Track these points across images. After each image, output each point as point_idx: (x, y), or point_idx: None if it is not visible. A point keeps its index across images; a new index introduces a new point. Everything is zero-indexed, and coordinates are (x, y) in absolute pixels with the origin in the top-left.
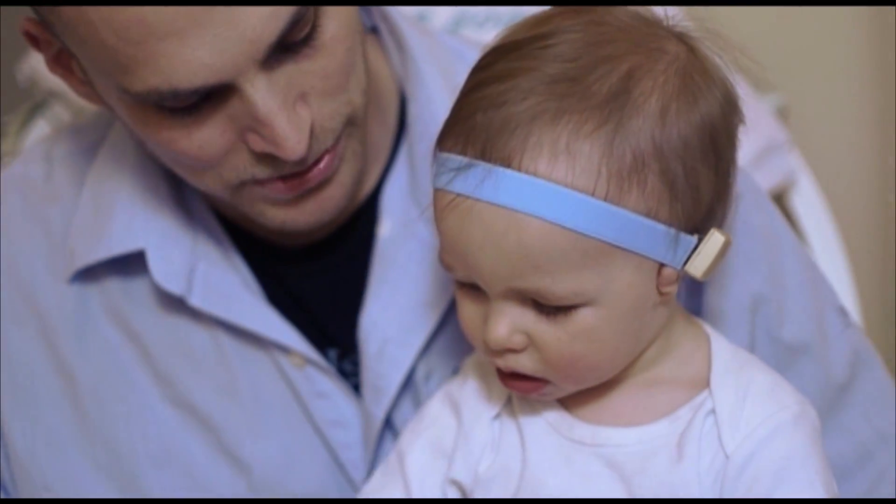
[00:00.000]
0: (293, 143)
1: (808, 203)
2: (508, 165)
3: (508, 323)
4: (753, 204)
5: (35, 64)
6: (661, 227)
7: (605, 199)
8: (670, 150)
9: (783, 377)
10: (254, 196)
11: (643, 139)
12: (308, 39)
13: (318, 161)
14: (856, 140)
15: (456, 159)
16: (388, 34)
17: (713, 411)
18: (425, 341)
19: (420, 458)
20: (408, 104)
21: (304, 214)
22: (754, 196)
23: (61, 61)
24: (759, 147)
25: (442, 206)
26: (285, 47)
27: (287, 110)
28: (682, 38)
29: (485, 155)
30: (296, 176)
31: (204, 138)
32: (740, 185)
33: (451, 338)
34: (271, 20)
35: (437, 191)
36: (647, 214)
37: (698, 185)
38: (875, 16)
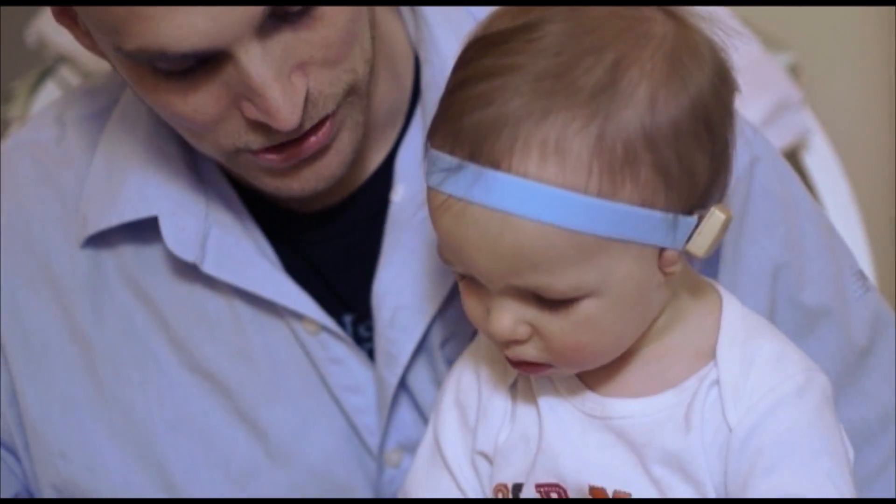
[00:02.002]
0: (286, 113)
1: (821, 161)
2: (498, 167)
3: (511, 316)
4: (771, 168)
5: (43, 27)
6: (659, 215)
7: (599, 195)
8: (662, 139)
9: (795, 344)
10: (250, 163)
11: (633, 131)
12: (307, 9)
13: (315, 129)
14: (868, 98)
15: (446, 159)
16: None
17: (717, 382)
18: (438, 307)
19: (453, 439)
20: (422, 68)
21: (299, 182)
22: (772, 160)
23: (68, 12)
24: (772, 105)
25: (436, 206)
26: (283, 16)
27: (281, 80)
28: (670, 14)
29: (474, 157)
30: (290, 145)
31: (199, 103)
32: (757, 149)
33: (460, 304)
34: None
35: (429, 188)
36: (643, 205)
37: (693, 169)
38: None
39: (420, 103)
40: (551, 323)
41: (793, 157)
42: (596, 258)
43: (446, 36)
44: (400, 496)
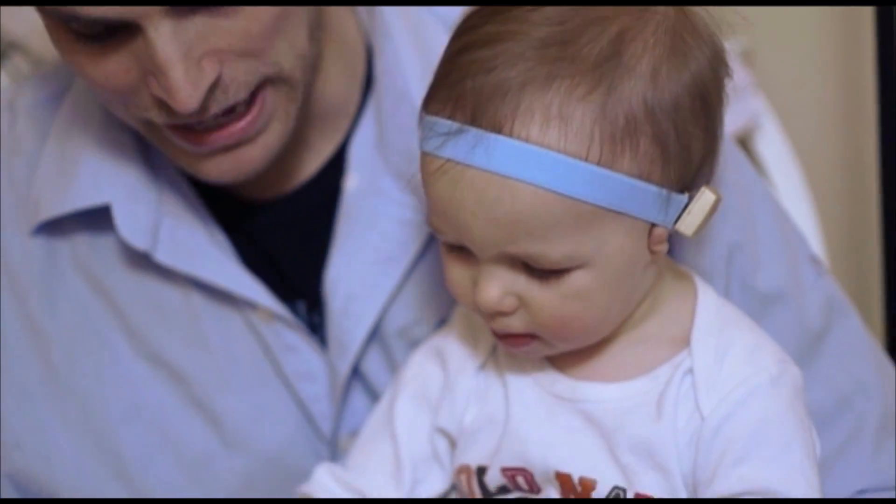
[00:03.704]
0: (184, 95)
1: (773, 146)
2: (500, 131)
3: (499, 286)
4: (723, 155)
5: None
6: (654, 189)
7: (598, 164)
8: (662, 112)
9: (767, 335)
10: (165, 137)
11: (635, 102)
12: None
13: (234, 120)
14: (820, 83)
15: (445, 123)
16: None
17: (691, 371)
18: (389, 296)
19: (408, 410)
20: (374, 58)
21: (218, 169)
22: (726, 149)
23: None
24: None
25: (431, 171)
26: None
27: (186, 62)
28: None
29: (475, 121)
30: (198, 131)
31: (109, 70)
32: None
33: (416, 292)
34: None
35: (424, 154)
36: (640, 177)
37: (689, 146)
38: None
39: (373, 93)
40: (540, 294)
41: (745, 142)
42: (590, 228)
43: (400, 26)
44: (343, 457)
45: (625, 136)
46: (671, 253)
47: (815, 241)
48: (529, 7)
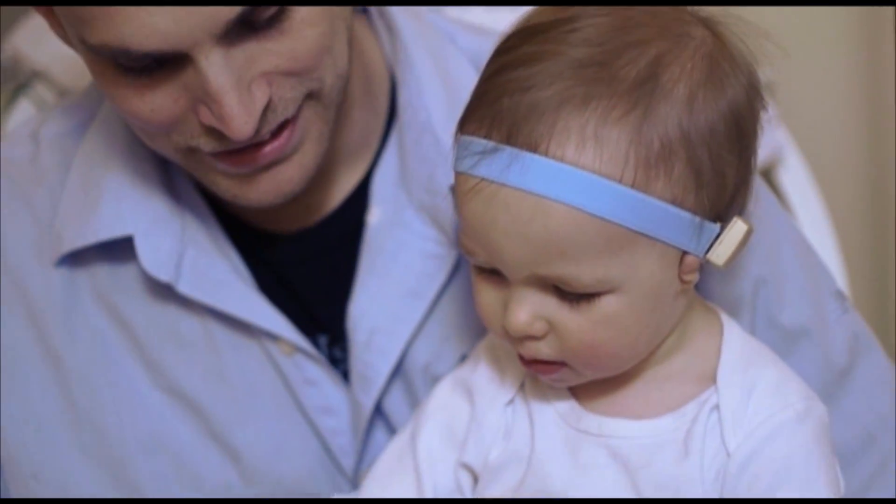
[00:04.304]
0: (239, 123)
1: (796, 178)
2: (536, 151)
3: (530, 310)
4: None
5: (18, 44)
6: (687, 215)
7: (633, 186)
8: (698, 138)
9: (793, 371)
10: (206, 164)
11: (671, 126)
12: (275, 21)
13: (275, 135)
14: (843, 116)
15: (480, 143)
16: (377, 16)
17: (717, 407)
18: (414, 330)
19: (431, 443)
20: (398, 89)
21: (257, 192)
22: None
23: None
24: None
25: (465, 191)
26: (249, 25)
27: (239, 89)
28: (707, 23)
29: (511, 139)
30: (245, 151)
31: (156, 102)
32: None
33: (439, 326)
34: None
35: (459, 174)
36: (674, 202)
37: (724, 173)
38: None
39: (396, 125)
40: (570, 319)
41: (767, 174)
42: (623, 252)
43: (422, 56)
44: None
45: (659, 159)
46: (697, 286)
47: (837, 273)
48: (568, 28)
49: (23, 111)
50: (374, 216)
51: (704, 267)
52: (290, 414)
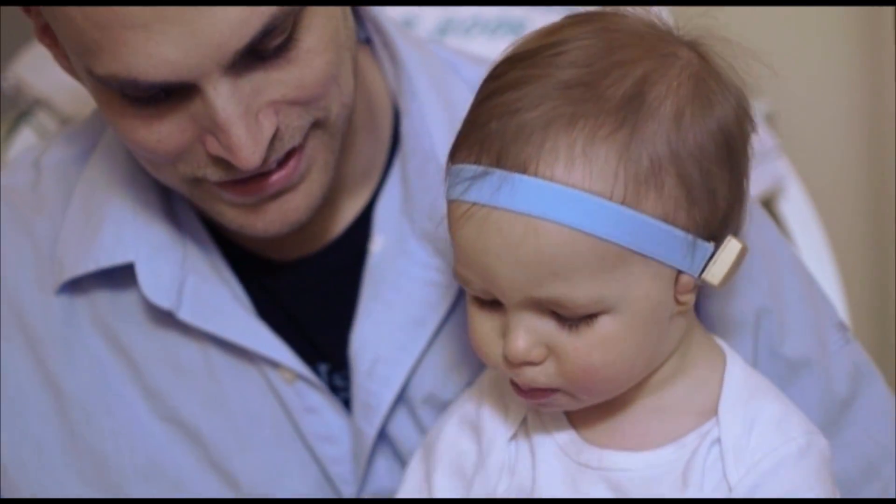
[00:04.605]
0: (247, 153)
1: (797, 209)
2: (525, 171)
3: (528, 335)
4: (751, 220)
5: (20, 72)
6: (679, 233)
7: (623, 203)
8: (687, 155)
9: (794, 405)
10: (212, 194)
11: (659, 143)
12: (281, 50)
13: (281, 164)
14: (844, 146)
15: (470, 168)
16: (381, 46)
17: (719, 440)
18: (417, 359)
19: (445, 485)
20: (401, 119)
21: (264, 221)
22: (751, 211)
23: (48, 32)
24: None
25: (457, 217)
26: (256, 55)
27: (247, 119)
28: (693, 45)
29: (500, 162)
30: (251, 181)
31: (163, 132)
32: None
33: (442, 356)
34: (242, 27)
35: (451, 203)
36: (665, 219)
37: (715, 191)
38: (863, 19)
39: (399, 154)
40: (568, 343)
41: (768, 204)
42: (617, 271)
43: (425, 87)
44: None
45: (649, 176)
46: (699, 314)
47: (838, 302)
48: (554, 52)
49: (24, 139)
50: (377, 244)
51: (705, 292)
52: (289, 442)
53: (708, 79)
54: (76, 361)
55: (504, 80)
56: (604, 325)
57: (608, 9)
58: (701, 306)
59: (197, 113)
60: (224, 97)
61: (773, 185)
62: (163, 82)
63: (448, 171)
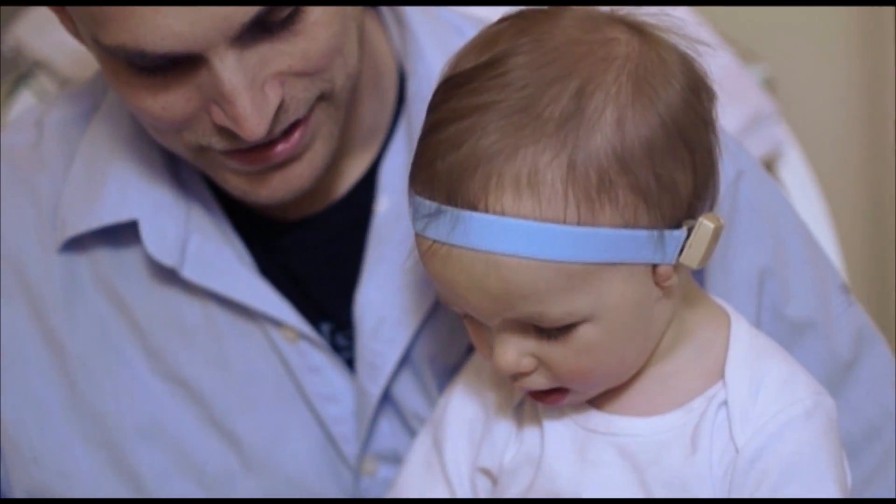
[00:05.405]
0: (252, 124)
1: (796, 174)
2: (475, 208)
3: (513, 351)
4: (756, 181)
5: (20, 34)
6: (644, 233)
7: (578, 223)
8: (634, 160)
9: (801, 366)
10: (217, 162)
11: (604, 155)
12: (288, 22)
13: (287, 134)
14: (843, 111)
15: (426, 205)
16: (388, 10)
17: (726, 403)
18: (422, 320)
19: (457, 454)
20: (407, 80)
21: (267, 189)
22: (756, 173)
23: None
24: (747, 118)
25: (423, 251)
26: (263, 27)
27: (253, 90)
28: (633, 28)
29: (451, 200)
30: (256, 150)
31: (168, 101)
32: (742, 163)
33: (447, 318)
34: None
35: (416, 235)
36: (626, 226)
37: (673, 184)
38: None
39: (404, 114)
40: (554, 352)
41: (767, 169)
42: (586, 284)
43: (432, 48)
44: (391, 499)
45: (600, 191)
46: (700, 279)
47: (836, 268)
48: (491, 74)
49: (24, 101)
50: (382, 205)
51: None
52: (291, 401)
53: (648, 72)
54: (78, 320)
55: (444, 110)
56: (585, 332)
57: (543, 9)
58: (705, 266)
59: (203, 83)
60: (230, 69)
61: (771, 150)
62: (170, 53)
63: (410, 199)
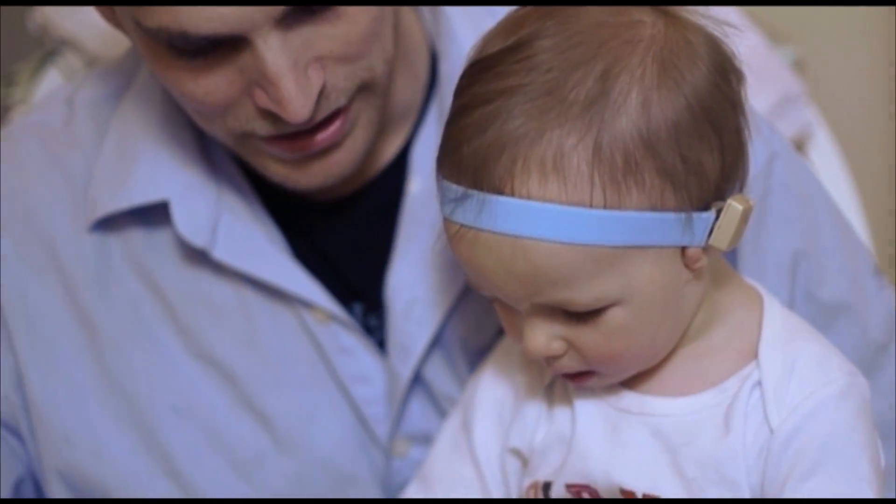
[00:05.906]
0: (297, 106)
1: (825, 155)
2: (501, 192)
3: (543, 334)
4: (789, 164)
5: (47, 12)
6: (671, 216)
7: (605, 207)
8: (661, 142)
9: (834, 346)
10: (258, 149)
11: (630, 138)
12: (331, 4)
13: (326, 123)
14: (872, 93)
15: (452, 189)
16: None
17: (760, 383)
18: (453, 301)
19: (486, 434)
20: (439, 61)
21: (308, 176)
22: (789, 156)
23: None
24: (776, 99)
25: (451, 235)
26: (306, 8)
27: (296, 72)
28: (659, 10)
29: (477, 184)
30: (298, 137)
31: (210, 85)
32: (775, 145)
33: (480, 299)
34: None
35: (444, 219)
36: (653, 208)
37: (700, 166)
38: None
39: (437, 96)
40: (583, 335)
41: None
42: (614, 267)
43: (464, 29)
44: (418, 481)
45: (626, 174)
46: (732, 261)
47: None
48: (516, 57)
49: (52, 78)
50: (415, 186)
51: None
52: (323, 382)
53: (674, 54)
54: (109, 299)
55: (470, 95)
56: (615, 315)
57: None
58: (737, 248)
59: (246, 66)
60: (274, 50)
61: (800, 131)
62: (213, 34)
63: (438, 183)
